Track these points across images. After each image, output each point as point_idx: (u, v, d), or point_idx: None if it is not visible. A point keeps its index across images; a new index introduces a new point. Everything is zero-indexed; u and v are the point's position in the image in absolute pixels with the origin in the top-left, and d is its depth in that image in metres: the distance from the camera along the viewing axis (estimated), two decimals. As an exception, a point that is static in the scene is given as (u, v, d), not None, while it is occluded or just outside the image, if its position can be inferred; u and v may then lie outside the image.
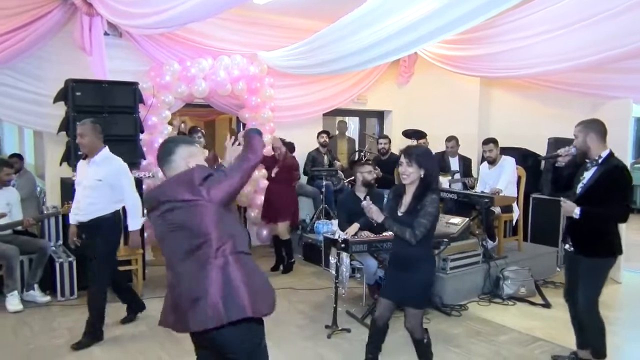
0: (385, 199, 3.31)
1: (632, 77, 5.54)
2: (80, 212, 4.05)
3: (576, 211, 3.27)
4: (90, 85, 5.23)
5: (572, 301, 3.57)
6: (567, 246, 3.52)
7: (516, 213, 5.87)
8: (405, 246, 3.06)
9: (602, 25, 4.52)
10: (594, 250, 3.34)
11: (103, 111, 5.26)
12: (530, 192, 6.46)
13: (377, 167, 5.72)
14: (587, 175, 3.38)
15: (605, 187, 3.25)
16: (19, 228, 5.02)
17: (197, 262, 2.19)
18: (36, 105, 5.48)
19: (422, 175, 3.05)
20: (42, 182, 6.43)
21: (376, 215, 3.14)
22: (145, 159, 5.68)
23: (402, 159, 3.08)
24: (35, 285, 4.93)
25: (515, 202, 5.83)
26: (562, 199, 3.41)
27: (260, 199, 6.69)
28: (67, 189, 5.26)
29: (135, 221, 4.12)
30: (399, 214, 3.13)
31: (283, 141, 6.10)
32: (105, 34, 5.59)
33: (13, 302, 4.68)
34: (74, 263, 5.03)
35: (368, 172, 4.93)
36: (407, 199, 3.13)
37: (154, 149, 5.89)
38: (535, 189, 6.49)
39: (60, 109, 5.28)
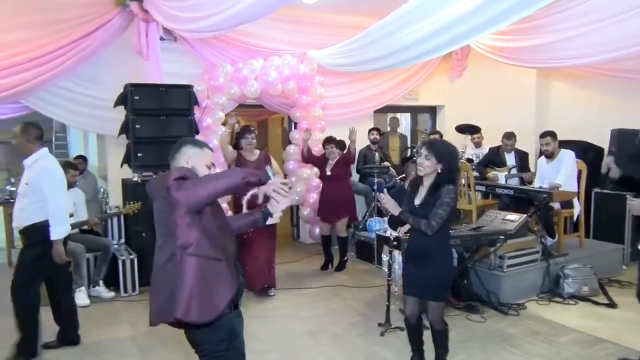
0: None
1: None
2: (14, 218, 3.83)
3: None
4: (147, 89, 5.43)
5: None
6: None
7: (577, 209, 5.62)
8: (422, 239, 3.07)
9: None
10: None
11: (160, 114, 5.44)
12: (592, 186, 6.18)
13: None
14: None
15: None
16: (84, 227, 5.29)
17: (164, 256, 2.33)
18: (98, 110, 5.74)
19: (439, 170, 3.06)
20: (105, 183, 6.74)
21: (392, 207, 3.14)
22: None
23: (422, 150, 3.11)
24: (100, 282, 5.18)
25: (576, 197, 5.59)
26: (628, 196, 3.24)
27: (313, 197, 6.74)
28: (129, 190, 5.50)
29: (55, 230, 3.68)
30: (416, 205, 3.15)
31: (334, 140, 6.09)
32: (161, 38, 5.79)
33: (81, 297, 4.93)
34: (135, 260, 5.24)
35: None
36: (423, 190, 3.15)
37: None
38: (597, 183, 6.21)
39: (121, 113, 5.50)
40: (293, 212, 7.71)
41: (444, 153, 3.09)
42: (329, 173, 6.03)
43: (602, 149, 6.32)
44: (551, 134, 5.60)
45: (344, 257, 6.15)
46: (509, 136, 6.27)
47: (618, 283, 5.33)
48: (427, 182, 3.13)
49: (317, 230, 6.90)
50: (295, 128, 7.03)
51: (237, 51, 6.33)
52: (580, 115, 6.78)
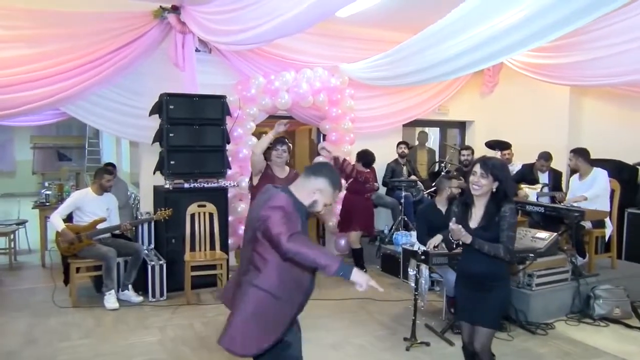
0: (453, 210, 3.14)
1: None
2: None
3: None
4: (182, 99, 5.55)
5: None
6: None
7: (609, 228, 5.52)
8: (485, 262, 2.91)
9: None
10: None
11: (194, 123, 5.56)
12: (626, 206, 6.06)
13: (462, 178, 5.60)
14: None
15: None
16: (116, 232, 5.41)
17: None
18: (133, 118, 5.90)
19: (494, 189, 2.92)
20: (137, 190, 6.89)
21: (464, 237, 2.89)
22: (230, 169, 5.92)
23: (477, 169, 2.92)
24: (130, 286, 5.28)
25: (608, 217, 5.49)
26: None
27: (339, 208, 6.77)
28: (160, 196, 5.62)
29: None
30: (471, 227, 2.98)
31: (359, 154, 6.17)
32: (196, 50, 5.93)
33: (111, 300, 5.03)
34: (165, 266, 5.34)
35: (456, 187, 4.87)
36: (477, 212, 3.00)
37: (239, 159, 6.16)
38: (631, 203, 6.08)
39: (155, 121, 5.64)
40: (319, 223, 7.74)
41: (500, 170, 2.93)
42: (346, 185, 6.14)
43: (636, 169, 6.20)
44: (575, 151, 5.57)
45: (362, 270, 6.12)
46: (547, 157, 6.12)
47: (652, 306, 5.20)
48: (481, 202, 2.98)
49: (343, 241, 6.92)
50: (323, 140, 7.08)
51: (270, 63, 6.43)
52: (615, 134, 6.67)
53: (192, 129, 5.58)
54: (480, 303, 2.97)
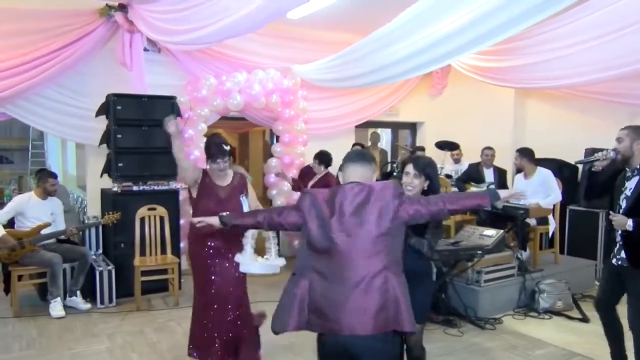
0: None
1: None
2: None
3: (630, 223, 3.17)
4: (130, 100, 5.43)
5: (605, 312, 3.50)
6: (614, 260, 3.42)
7: (552, 225, 5.76)
8: (414, 259, 2.91)
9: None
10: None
11: (143, 124, 5.44)
12: (567, 203, 6.34)
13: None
14: (630, 185, 3.29)
15: None
16: (62, 237, 5.22)
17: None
18: (79, 119, 5.70)
19: (425, 187, 2.98)
20: (83, 193, 6.67)
21: None
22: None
23: (410, 169, 2.97)
24: (78, 292, 5.10)
25: (552, 214, 5.73)
26: (611, 213, 3.32)
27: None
28: (108, 200, 5.46)
29: None
30: None
31: (318, 155, 6.16)
32: (145, 49, 5.79)
33: (56, 308, 4.85)
34: (113, 271, 5.18)
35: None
36: None
37: (191, 161, 6.04)
38: (572, 200, 6.37)
39: (102, 123, 5.48)
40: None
41: (431, 168, 3.02)
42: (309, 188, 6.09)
43: (577, 168, 6.49)
44: (520, 151, 5.82)
45: None
46: (489, 147, 6.49)
47: (591, 298, 5.44)
48: None
49: (296, 242, 6.92)
50: (277, 141, 7.06)
51: (221, 64, 6.36)
52: (556, 134, 6.97)
53: (141, 130, 5.46)
54: (414, 300, 3.00)
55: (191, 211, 3.63)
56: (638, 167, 3.26)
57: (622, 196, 3.31)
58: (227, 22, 4.03)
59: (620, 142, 3.29)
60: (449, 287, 4.91)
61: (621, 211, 3.28)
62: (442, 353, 4.09)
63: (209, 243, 3.48)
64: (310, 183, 6.09)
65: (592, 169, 3.45)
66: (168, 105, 5.60)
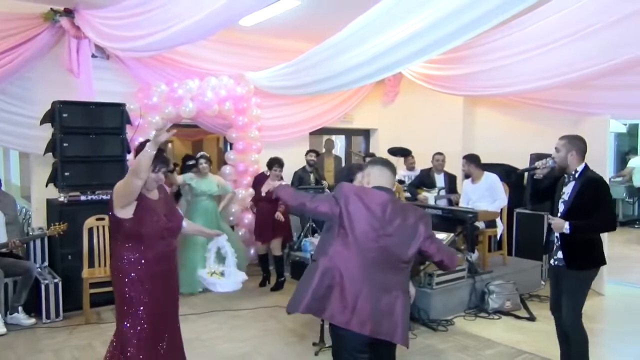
0: None
1: (610, 94, 5.69)
2: None
3: (566, 226, 3.32)
4: (77, 107, 5.27)
5: (559, 314, 3.65)
6: (552, 261, 3.58)
7: (500, 228, 5.96)
8: None
9: (580, 43, 4.67)
10: (585, 263, 3.43)
11: (90, 132, 5.30)
12: (514, 207, 6.57)
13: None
14: (567, 190, 3.47)
15: (589, 198, 3.34)
16: (4, 250, 4.99)
17: None
18: (23, 127, 5.48)
19: None
20: (28, 204, 6.41)
21: None
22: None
23: (359, 176, 3.19)
24: (20, 308, 4.88)
25: (499, 217, 5.93)
26: (550, 216, 3.48)
27: (248, 217, 6.72)
28: (54, 210, 5.27)
29: None
30: None
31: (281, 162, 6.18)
32: (93, 56, 5.66)
33: (-3, 325, 4.63)
34: (60, 284, 5.00)
35: None
36: None
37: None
38: (519, 204, 6.60)
39: (47, 131, 5.30)
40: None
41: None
42: (264, 194, 6.05)
43: (523, 172, 6.73)
44: (466, 158, 6.04)
45: (280, 277, 6.18)
46: (439, 153, 6.70)
47: (537, 297, 5.67)
48: None
49: (252, 251, 6.87)
50: (231, 149, 7.01)
51: (173, 71, 6.28)
52: (504, 140, 7.21)
53: (88, 138, 5.31)
54: None
55: (125, 239, 2.93)
56: (573, 173, 3.45)
57: (560, 200, 3.50)
58: (178, 29, 3.99)
59: (557, 152, 3.48)
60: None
61: (559, 214, 3.45)
62: (396, 355, 4.13)
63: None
64: (265, 188, 6.06)
65: (535, 177, 3.62)
66: (117, 112, 5.48)
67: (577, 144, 3.45)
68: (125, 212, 2.86)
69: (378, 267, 2.55)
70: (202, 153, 6.33)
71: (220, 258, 3.52)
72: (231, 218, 6.67)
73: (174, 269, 3.16)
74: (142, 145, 2.86)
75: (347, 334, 2.52)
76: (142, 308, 2.91)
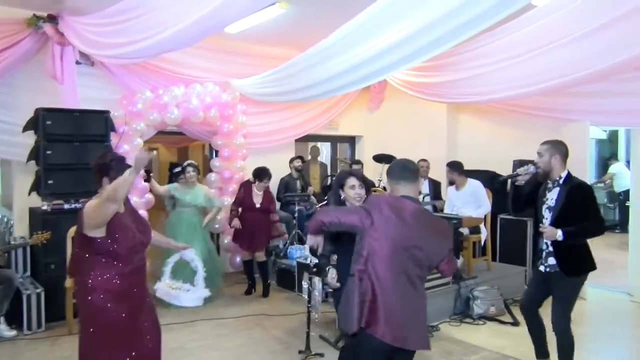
0: None
1: (589, 100, 5.83)
2: None
3: (559, 234, 3.38)
4: (61, 114, 5.23)
5: (530, 313, 3.74)
6: (542, 267, 3.62)
7: (484, 234, 6.02)
8: None
9: (560, 51, 4.77)
10: (581, 268, 3.49)
11: (74, 139, 5.25)
12: (498, 213, 6.64)
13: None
14: (552, 196, 3.52)
15: (578, 204, 3.40)
16: (-15, 260, 4.92)
17: None
18: (5, 134, 5.41)
19: (365, 196, 3.28)
20: (9, 212, 6.32)
21: None
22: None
23: (356, 182, 3.27)
24: (1, 319, 4.80)
25: (483, 223, 5.99)
26: (541, 225, 3.52)
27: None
28: (37, 219, 5.21)
29: None
30: None
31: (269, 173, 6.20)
32: (77, 62, 5.62)
33: (-22, 336, 4.55)
34: (42, 294, 4.93)
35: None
36: None
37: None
38: (503, 209, 6.67)
39: (30, 138, 5.24)
40: (214, 240, 7.58)
41: (366, 179, 3.37)
42: (258, 205, 6.07)
43: (506, 179, 6.81)
44: (449, 165, 6.13)
45: (266, 282, 6.17)
46: (424, 160, 6.74)
47: (521, 303, 5.73)
48: None
49: (238, 258, 6.85)
50: (216, 156, 7.00)
51: (158, 77, 6.26)
52: (487, 146, 7.30)
53: (72, 145, 5.26)
54: None
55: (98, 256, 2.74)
56: (557, 179, 3.50)
57: (545, 206, 3.55)
58: (163, 36, 3.99)
59: (541, 157, 3.54)
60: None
61: (546, 222, 3.50)
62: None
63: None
64: (257, 200, 6.08)
65: (516, 184, 3.68)
66: (101, 119, 5.45)
67: (560, 148, 3.52)
68: (98, 232, 2.71)
69: (408, 278, 2.56)
70: (190, 161, 6.14)
71: (183, 272, 3.46)
72: (217, 226, 6.64)
73: (145, 281, 3.02)
74: (117, 164, 2.79)
75: (376, 342, 2.50)
76: (118, 324, 2.74)
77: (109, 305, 2.72)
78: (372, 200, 2.66)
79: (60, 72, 5.39)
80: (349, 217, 2.59)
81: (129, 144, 5.94)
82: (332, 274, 3.16)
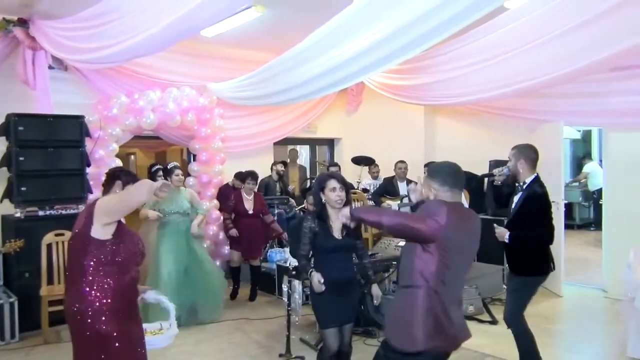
0: (307, 225, 3.27)
1: (563, 101, 5.93)
2: None
3: (506, 236, 3.50)
4: (33, 120, 5.14)
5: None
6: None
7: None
8: (348, 269, 3.31)
9: (532, 53, 4.86)
10: (523, 269, 3.59)
11: (48, 145, 5.17)
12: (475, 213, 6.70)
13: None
14: (515, 199, 3.64)
15: (528, 212, 3.51)
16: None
17: None
18: (-25, 141, 5.31)
19: (345, 198, 3.26)
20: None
21: None
22: (92, 193, 5.56)
23: (336, 184, 3.23)
24: (-26, 330, 4.70)
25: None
26: (495, 225, 3.60)
27: (213, 229, 6.66)
28: (10, 227, 5.11)
29: None
30: (338, 238, 3.25)
31: (256, 175, 6.18)
32: (50, 67, 5.52)
33: (-51, 347, 4.44)
34: (16, 304, 4.83)
35: (311, 204, 5.06)
36: (336, 223, 3.22)
37: (101, 182, 5.80)
38: (480, 210, 6.74)
39: (2, 144, 5.15)
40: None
41: (346, 181, 3.38)
42: (251, 212, 6.04)
43: (483, 179, 6.90)
44: (427, 166, 6.12)
45: (256, 286, 6.18)
46: (402, 161, 6.84)
47: (499, 301, 5.79)
48: (337, 214, 3.12)
49: (218, 263, 6.80)
50: (194, 160, 6.95)
51: (133, 82, 6.20)
52: (463, 147, 7.37)
53: (46, 151, 5.18)
54: (346, 305, 3.27)
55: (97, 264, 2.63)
56: (522, 184, 3.58)
57: (511, 208, 3.64)
58: (136, 41, 3.97)
59: (509, 162, 3.62)
60: (367, 298, 5.02)
61: (506, 223, 3.61)
62: (361, 363, 4.17)
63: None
64: (249, 206, 6.05)
65: (494, 183, 3.76)
66: (76, 125, 5.37)
67: (526, 152, 3.59)
68: (104, 232, 2.63)
69: (461, 284, 2.55)
70: (175, 163, 5.65)
71: (160, 313, 3.32)
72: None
73: (138, 292, 2.90)
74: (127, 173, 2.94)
75: (438, 354, 2.44)
76: (115, 343, 2.60)
77: (103, 318, 2.58)
78: (435, 207, 2.36)
79: (32, 77, 5.30)
80: (416, 224, 2.30)
81: (104, 149, 5.87)
82: (317, 277, 3.08)
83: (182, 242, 5.23)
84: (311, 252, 3.27)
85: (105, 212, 2.65)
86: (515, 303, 3.65)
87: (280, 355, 4.30)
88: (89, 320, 2.56)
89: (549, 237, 3.59)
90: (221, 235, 6.64)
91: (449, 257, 2.33)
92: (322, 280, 3.09)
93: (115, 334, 2.60)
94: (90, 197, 5.30)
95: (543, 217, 3.52)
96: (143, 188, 2.59)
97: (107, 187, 2.92)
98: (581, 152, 11.61)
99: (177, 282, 5.01)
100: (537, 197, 3.52)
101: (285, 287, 4.48)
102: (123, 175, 2.90)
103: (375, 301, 3.39)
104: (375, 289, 3.41)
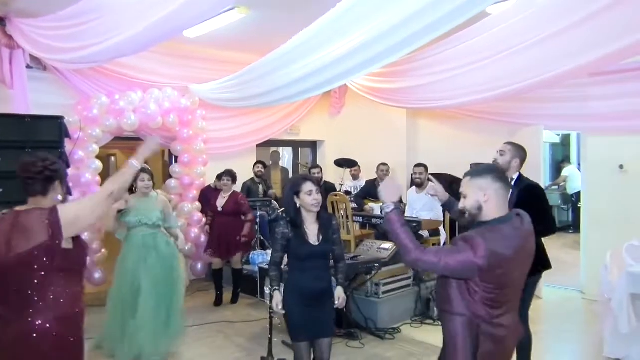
0: (279, 231, 3.08)
1: (542, 106, 6.02)
2: None
3: None
4: (11, 120, 5.04)
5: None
6: None
7: (443, 236, 6.14)
8: (322, 279, 3.07)
9: (514, 58, 4.90)
10: (533, 268, 3.56)
11: (26, 146, 5.06)
12: (457, 215, 6.76)
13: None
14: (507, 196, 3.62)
15: (529, 204, 3.47)
16: None
17: None
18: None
19: (321, 201, 3.12)
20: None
21: None
22: (71, 195, 5.48)
23: (312, 187, 3.04)
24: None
25: (442, 226, 6.10)
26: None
27: (194, 232, 6.62)
28: (-14, 229, 4.99)
29: None
30: (314, 243, 3.04)
31: (233, 174, 6.14)
32: (28, 66, 5.43)
33: None
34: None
35: None
36: (311, 227, 3.08)
37: (81, 184, 5.74)
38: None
39: (-22, 145, 5.04)
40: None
41: (329, 185, 3.28)
42: (220, 209, 5.99)
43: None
44: (424, 166, 6.21)
45: (237, 289, 6.12)
46: (383, 164, 6.87)
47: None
48: (312, 218, 3.07)
49: (199, 266, 6.75)
50: (176, 162, 6.89)
51: (114, 82, 6.13)
52: (445, 150, 7.45)
53: (24, 152, 5.05)
54: (320, 317, 3.06)
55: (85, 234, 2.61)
56: (509, 180, 3.60)
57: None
58: (117, 41, 3.92)
59: (502, 155, 3.63)
60: (349, 301, 5.03)
61: None
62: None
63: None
64: (220, 203, 6.00)
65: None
66: (55, 125, 5.27)
67: (521, 153, 3.65)
68: (67, 242, 2.35)
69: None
70: (144, 166, 3.97)
71: None
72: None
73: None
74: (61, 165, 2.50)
75: None
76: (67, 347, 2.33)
77: (54, 333, 2.28)
78: (478, 238, 2.12)
79: (10, 76, 5.20)
80: (454, 258, 2.12)
81: (84, 151, 5.80)
82: (277, 300, 2.98)
83: (144, 260, 4.20)
84: (285, 259, 3.12)
85: (73, 224, 2.37)
86: (523, 304, 3.62)
87: (263, 358, 4.27)
88: (40, 335, 2.27)
89: (553, 226, 3.59)
90: (203, 237, 6.60)
91: (494, 290, 2.19)
92: (281, 306, 3.00)
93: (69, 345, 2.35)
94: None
95: (544, 208, 3.50)
96: (123, 183, 2.43)
97: (42, 191, 2.49)
98: (560, 156, 11.79)
99: (122, 315, 4.13)
100: (536, 189, 3.54)
101: (267, 290, 4.45)
102: (63, 172, 2.51)
103: (336, 302, 3.09)
104: (339, 291, 3.12)
